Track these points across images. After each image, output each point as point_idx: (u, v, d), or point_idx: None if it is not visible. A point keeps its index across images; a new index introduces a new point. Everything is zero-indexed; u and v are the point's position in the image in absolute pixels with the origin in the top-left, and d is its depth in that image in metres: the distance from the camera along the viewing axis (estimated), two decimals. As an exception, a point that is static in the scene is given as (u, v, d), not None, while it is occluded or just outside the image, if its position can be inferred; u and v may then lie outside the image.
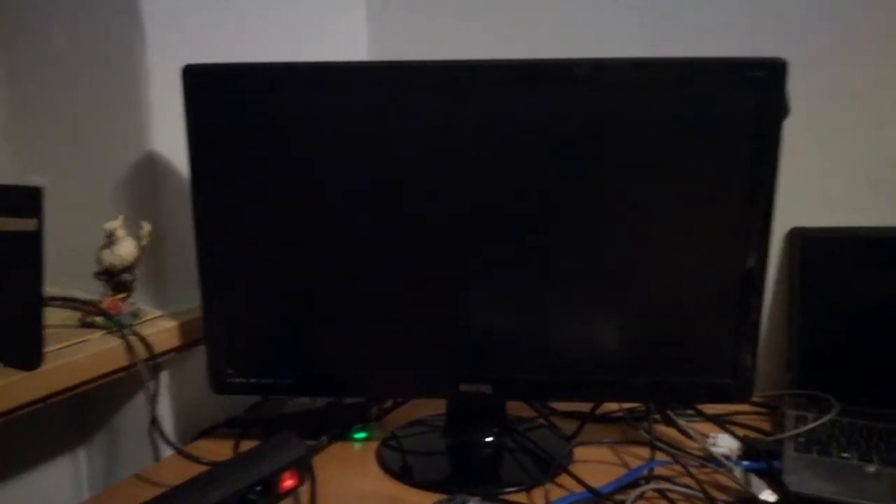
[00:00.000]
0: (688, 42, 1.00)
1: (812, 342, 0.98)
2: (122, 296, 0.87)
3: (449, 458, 0.87)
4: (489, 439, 0.88)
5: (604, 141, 0.76)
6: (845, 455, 0.81)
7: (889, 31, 0.94)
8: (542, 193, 0.78)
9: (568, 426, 0.93)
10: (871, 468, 0.78)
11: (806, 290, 0.98)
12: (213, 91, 0.78)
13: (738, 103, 0.74)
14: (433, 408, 0.96)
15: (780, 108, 0.75)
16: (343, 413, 0.92)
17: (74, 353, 0.78)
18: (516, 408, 0.95)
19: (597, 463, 0.85)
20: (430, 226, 0.79)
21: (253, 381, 0.84)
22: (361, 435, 0.92)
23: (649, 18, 1.02)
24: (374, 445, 0.90)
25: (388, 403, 0.99)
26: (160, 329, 0.86)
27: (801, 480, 0.76)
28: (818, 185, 0.99)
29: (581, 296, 0.80)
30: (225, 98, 0.78)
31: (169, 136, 0.89)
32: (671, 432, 0.88)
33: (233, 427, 0.92)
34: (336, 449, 0.89)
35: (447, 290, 0.81)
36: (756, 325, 0.79)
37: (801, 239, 0.99)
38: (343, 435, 0.91)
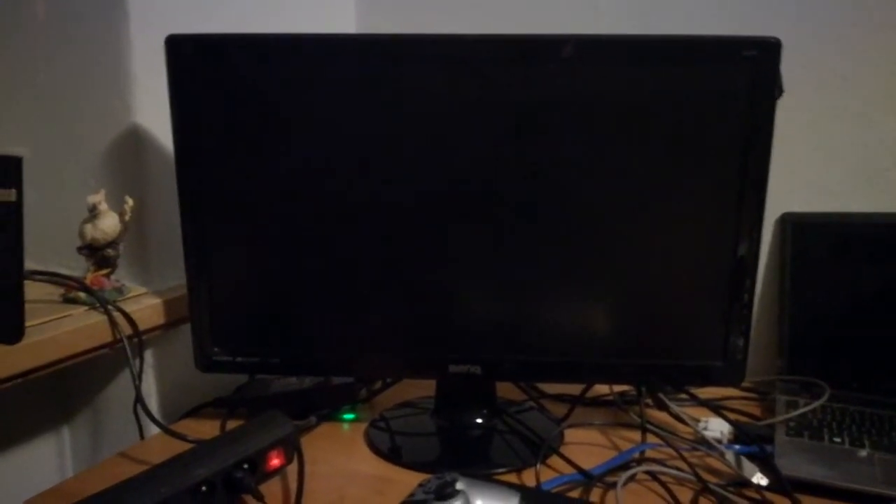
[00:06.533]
0: (680, 21, 0.99)
1: (803, 328, 0.97)
2: (105, 271, 0.85)
3: (438, 439, 0.86)
4: (479, 421, 0.87)
5: (593, 120, 0.75)
6: (837, 440, 0.80)
7: (883, 19, 0.93)
8: (531, 173, 0.76)
9: (558, 409, 0.92)
10: (863, 452, 0.78)
11: (797, 276, 0.98)
12: (197, 62, 0.76)
13: (731, 83, 0.73)
14: (422, 390, 0.95)
15: (773, 88, 0.74)
16: (331, 394, 0.91)
17: (56, 328, 0.76)
18: (506, 392, 0.94)
19: (588, 445, 0.84)
20: (420, 204, 0.78)
21: (240, 359, 0.83)
22: (350, 416, 0.91)
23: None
24: (362, 426, 0.88)
25: (377, 385, 0.98)
26: (145, 306, 0.85)
27: (793, 464, 0.75)
28: (810, 170, 0.99)
29: (572, 278, 0.79)
30: (209, 69, 0.76)
31: (153, 110, 0.87)
32: (662, 416, 0.88)
33: (220, 407, 0.91)
34: (324, 429, 0.88)
35: (437, 270, 0.80)
36: (748, 308, 0.79)
37: (792, 224, 0.98)
38: (331, 416, 0.90)
